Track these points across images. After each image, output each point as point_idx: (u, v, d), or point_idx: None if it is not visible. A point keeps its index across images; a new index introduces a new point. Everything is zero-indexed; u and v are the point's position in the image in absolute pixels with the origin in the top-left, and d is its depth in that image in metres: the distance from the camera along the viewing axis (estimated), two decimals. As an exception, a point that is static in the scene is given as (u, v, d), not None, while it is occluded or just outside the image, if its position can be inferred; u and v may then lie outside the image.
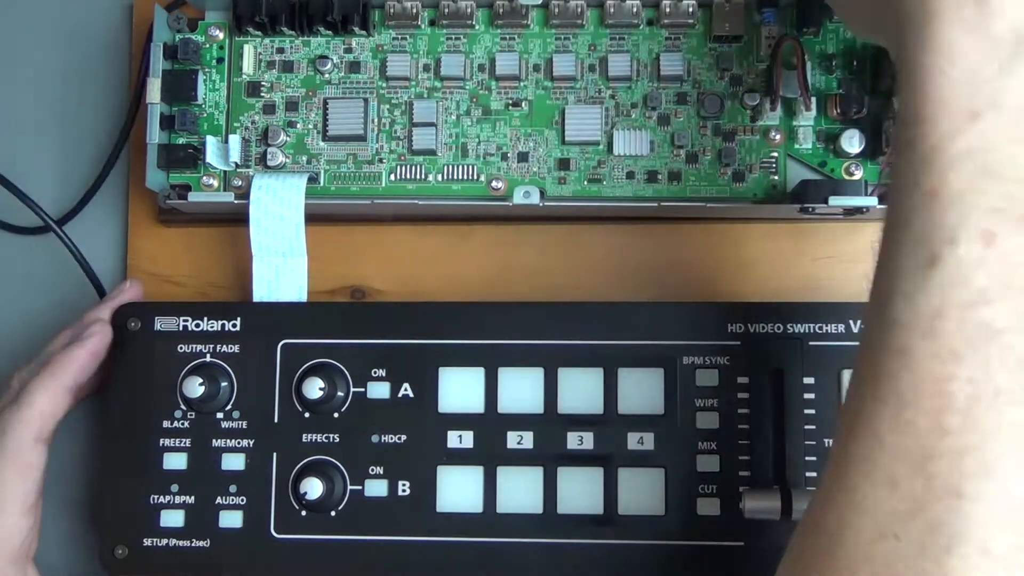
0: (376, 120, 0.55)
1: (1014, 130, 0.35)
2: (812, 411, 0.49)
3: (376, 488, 0.51)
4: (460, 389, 0.51)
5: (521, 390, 0.51)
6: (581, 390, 0.51)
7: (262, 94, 0.55)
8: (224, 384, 0.51)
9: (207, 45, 0.55)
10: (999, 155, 0.35)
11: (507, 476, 0.51)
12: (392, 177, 0.55)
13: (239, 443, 0.51)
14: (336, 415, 0.51)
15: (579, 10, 0.54)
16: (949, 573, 0.33)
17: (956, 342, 0.34)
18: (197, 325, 0.52)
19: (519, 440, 0.51)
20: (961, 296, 0.34)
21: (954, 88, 0.35)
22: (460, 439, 0.51)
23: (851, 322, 0.50)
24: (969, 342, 0.34)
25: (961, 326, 0.34)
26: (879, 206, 0.50)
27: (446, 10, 0.54)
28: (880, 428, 0.35)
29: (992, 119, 0.35)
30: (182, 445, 0.51)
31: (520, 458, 0.51)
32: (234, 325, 0.52)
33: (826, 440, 0.49)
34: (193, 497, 0.51)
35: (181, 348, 0.52)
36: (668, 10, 0.53)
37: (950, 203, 0.35)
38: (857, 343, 0.48)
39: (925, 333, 0.34)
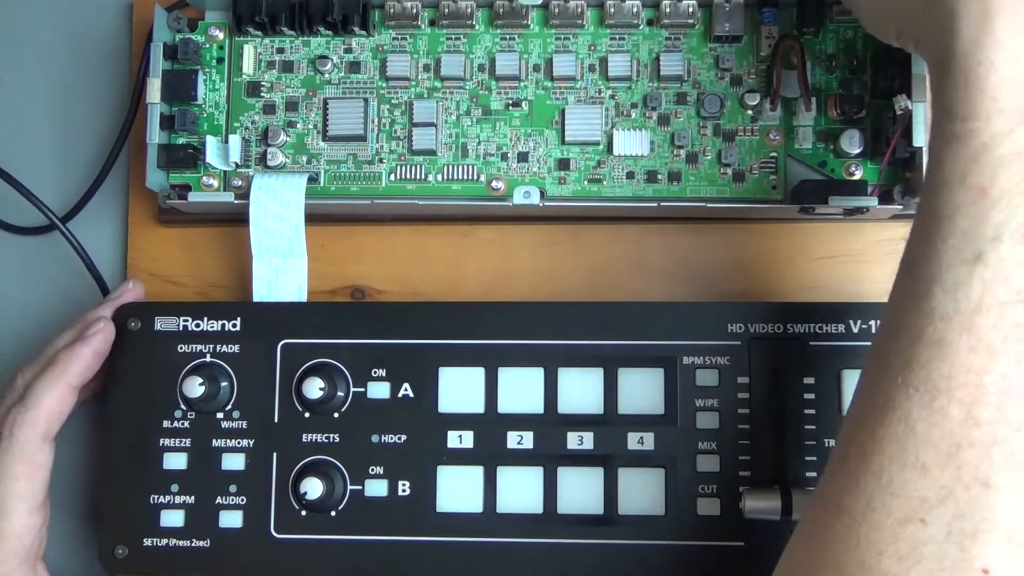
0: (376, 120, 0.55)
1: None
2: (812, 411, 0.49)
3: (376, 488, 0.51)
4: (460, 389, 0.51)
5: (521, 390, 0.51)
6: (581, 390, 0.51)
7: (262, 94, 0.55)
8: (224, 384, 0.51)
9: (207, 45, 0.55)
10: None
11: (507, 476, 0.51)
12: (392, 177, 0.55)
13: (239, 443, 0.51)
14: (336, 415, 0.51)
15: (579, 10, 0.54)
16: (973, 559, 0.34)
17: (993, 338, 0.35)
18: (197, 325, 0.52)
19: (519, 440, 0.51)
20: (1001, 294, 0.35)
21: (1007, 87, 0.36)
22: (460, 439, 0.51)
23: (851, 322, 0.50)
24: (1005, 339, 0.35)
25: (999, 323, 0.35)
26: (879, 206, 0.51)
27: (446, 10, 0.54)
28: (912, 415, 0.36)
29: None
30: (182, 445, 0.51)
31: (520, 458, 0.51)
32: (234, 325, 0.52)
33: (826, 440, 0.49)
34: (193, 497, 0.51)
35: (181, 348, 0.52)
36: (668, 10, 0.53)
37: (997, 202, 0.36)
38: (855, 342, 0.49)
39: (963, 327, 0.36)
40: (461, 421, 0.51)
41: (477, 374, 0.51)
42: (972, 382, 0.35)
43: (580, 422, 0.51)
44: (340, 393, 0.51)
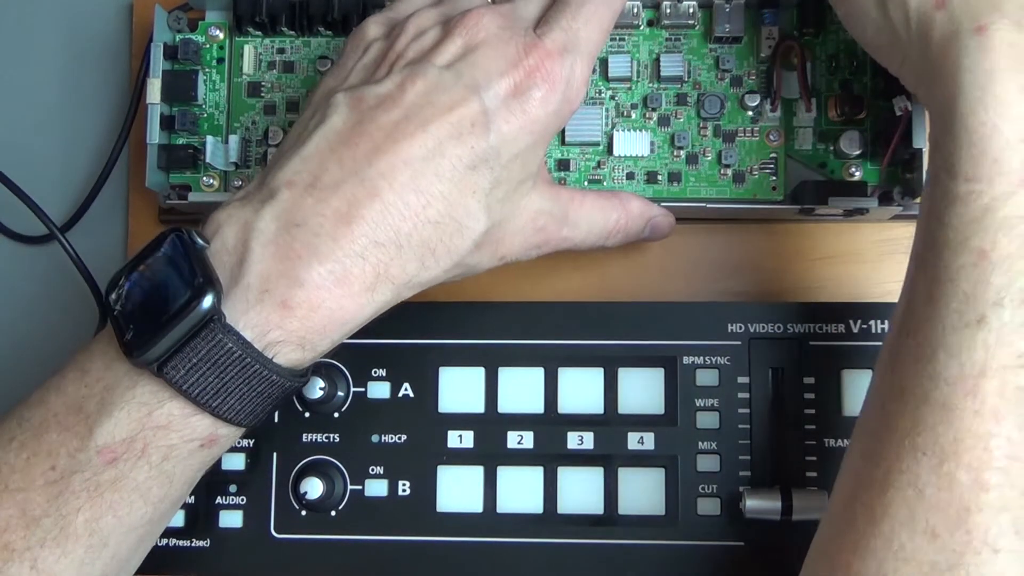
0: (376, 120, 0.55)
1: None
2: (812, 411, 0.49)
3: (376, 488, 0.51)
4: (460, 389, 0.51)
5: (521, 390, 0.51)
6: (581, 390, 0.51)
7: (262, 94, 0.55)
8: (224, 384, 0.51)
9: (207, 45, 0.55)
10: None
11: (507, 476, 0.51)
12: (392, 177, 0.55)
13: (239, 443, 0.51)
14: (336, 415, 0.51)
15: (579, 11, 0.54)
16: None
17: (997, 402, 0.35)
18: (197, 325, 0.52)
19: (519, 440, 0.51)
20: (1004, 358, 0.36)
21: (1010, 149, 0.36)
22: (460, 439, 0.51)
23: (851, 322, 0.50)
24: (1009, 403, 0.35)
25: (1003, 387, 0.35)
26: (879, 207, 0.51)
27: (446, 11, 0.54)
28: (920, 479, 0.36)
29: None
30: (182, 445, 0.51)
31: (520, 458, 0.51)
32: (234, 325, 0.52)
33: (826, 440, 0.49)
34: (193, 497, 0.51)
35: (181, 348, 0.52)
36: (668, 11, 0.53)
37: (999, 265, 0.36)
38: (855, 342, 0.49)
39: (968, 392, 0.36)
40: (461, 421, 0.51)
41: (477, 374, 0.51)
42: (979, 446, 0.35)
43: (580, 422, 0.51)
44: (340, 393, 0.51)
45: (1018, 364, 0.35)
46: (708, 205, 0.53)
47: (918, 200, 0.50)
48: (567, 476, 0.50)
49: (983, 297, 0.36)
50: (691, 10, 0.53)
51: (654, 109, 0.54)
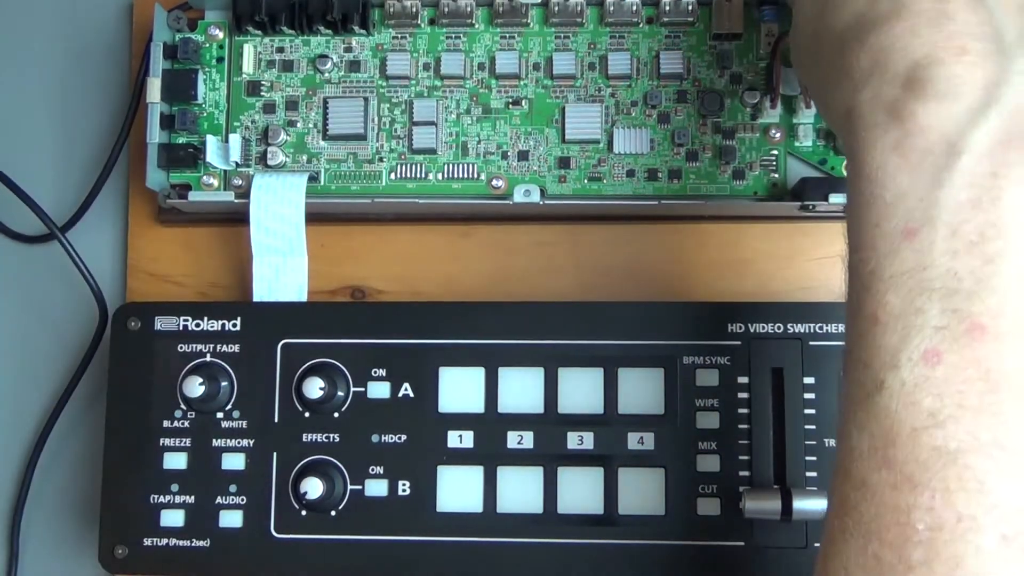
0: (376, 119, 0.55)
1: (950, 243, 0.34)
2: (812, 411, 0.49)
3: (376, 488, 0.51)
4: (460, 389, 0.51)
5: (521, 390, 0.51)
6: (581, 390, 0.51)
7: (262, 93, 0.55)
8: (224, 384, 0.51)
9: (207, 44, 0.55)
10: (937, 271, 0.34)
11: (507, 476, 0.51)
12: (392, 176, 0.55)
13: (239, 443, 0.51)
14: (336, 415, 0.51)
15: (579, 8, 0.53)
16: None
17: (912, 469, 0.33)
18: (197, 325, 0.52)
19: (519, 440, 0.51)
20: (911, 421, 0.33)
21: (888, 211, 0.35)
22: (460, 439, 0.51)
23: (851, 322, 0.50)
24: (924, 468, 0.33)
25: (914, 452, 0.33)
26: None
27: (446, 9, 0.54)
28: (849, 563, 0.34)
29: (927, 235, 0.34)
30: (182, 445, 0.51)
31: (520, 458, 0.51)
32: (234, 325, 0.52)
33: (826, 440, 0.49)
34: (193, 497, 0.51)
35: (181, 348, 0.52)
36: (668, 8, 0.53)
37: (890, 327, 0.34)
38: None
39: (880, 463, 0.34)
40: (461, 421, 0.51)
41: (477, 374, 0.51)
42: (899, 521, 0.33)
43: (580, 422, 0.50)
44: (340, 393, 0.51)
45: (930, 423, 0.33)
46: (708, 202, 0.52)
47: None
48: (567, 476, 0.50)
49: (878, 362, 0.34)
50: (691, 7, 0.53)
51: (654, 106, 0.54)
